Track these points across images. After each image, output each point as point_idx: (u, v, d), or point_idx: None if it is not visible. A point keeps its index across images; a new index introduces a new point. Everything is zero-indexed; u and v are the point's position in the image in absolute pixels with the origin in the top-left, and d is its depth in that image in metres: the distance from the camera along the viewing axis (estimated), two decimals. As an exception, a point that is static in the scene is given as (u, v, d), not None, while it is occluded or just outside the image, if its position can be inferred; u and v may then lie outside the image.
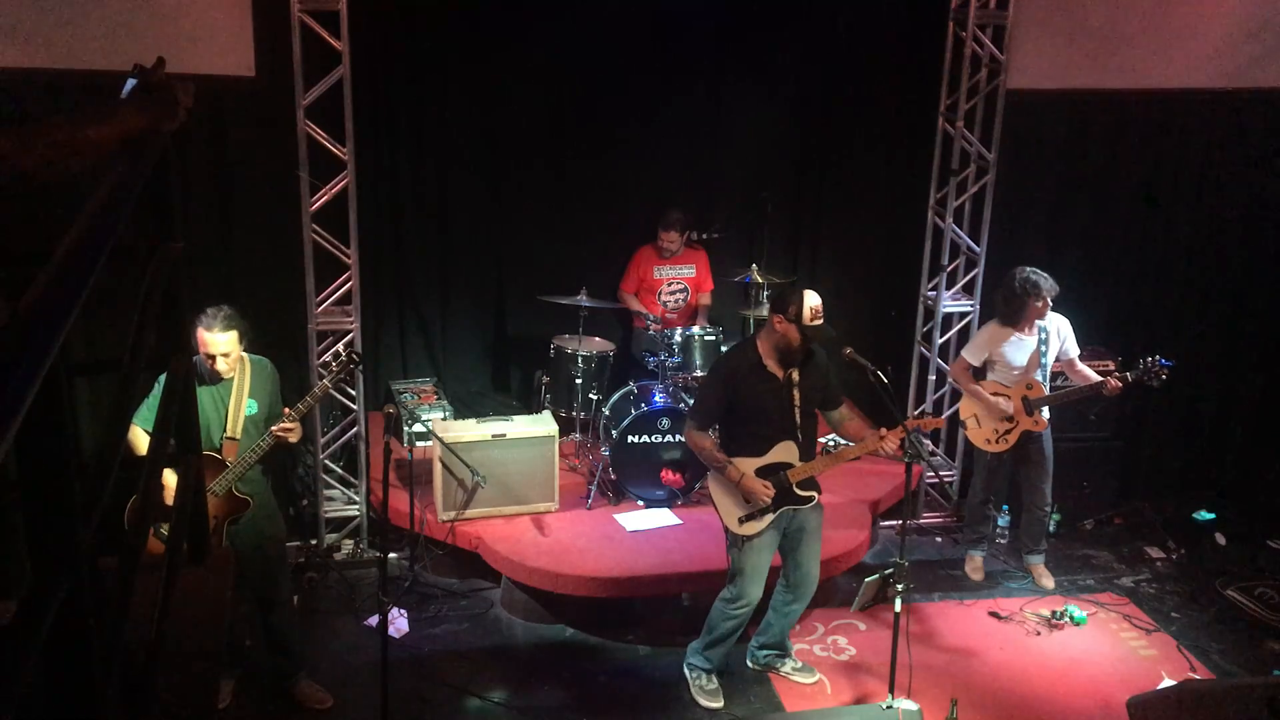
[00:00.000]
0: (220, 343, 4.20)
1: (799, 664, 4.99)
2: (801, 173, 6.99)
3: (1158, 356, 5.40)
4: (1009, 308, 5.50)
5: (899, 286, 6.79)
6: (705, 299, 6.75)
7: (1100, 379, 5.46)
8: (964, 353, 5.74)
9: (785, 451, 4.48)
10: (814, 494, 4.59)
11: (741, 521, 4.50)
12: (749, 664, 5.04)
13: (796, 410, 4.47)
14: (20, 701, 1.15)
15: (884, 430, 4.43)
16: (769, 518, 4.50)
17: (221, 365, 4.23)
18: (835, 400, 4.66)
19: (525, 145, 6.52)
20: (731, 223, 6.80)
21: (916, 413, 6.52)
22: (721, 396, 4.49)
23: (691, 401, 4.98)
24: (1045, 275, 5.41)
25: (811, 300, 4.33)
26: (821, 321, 4.36)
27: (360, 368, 4.62)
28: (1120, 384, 5.41)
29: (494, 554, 5.39)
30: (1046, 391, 5.54)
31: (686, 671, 4.89)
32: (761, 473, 4.45)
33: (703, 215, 6.71)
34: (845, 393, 7.21)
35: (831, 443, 6.27)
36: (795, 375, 4.46)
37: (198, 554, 2.55)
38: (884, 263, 7.03)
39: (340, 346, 4.64)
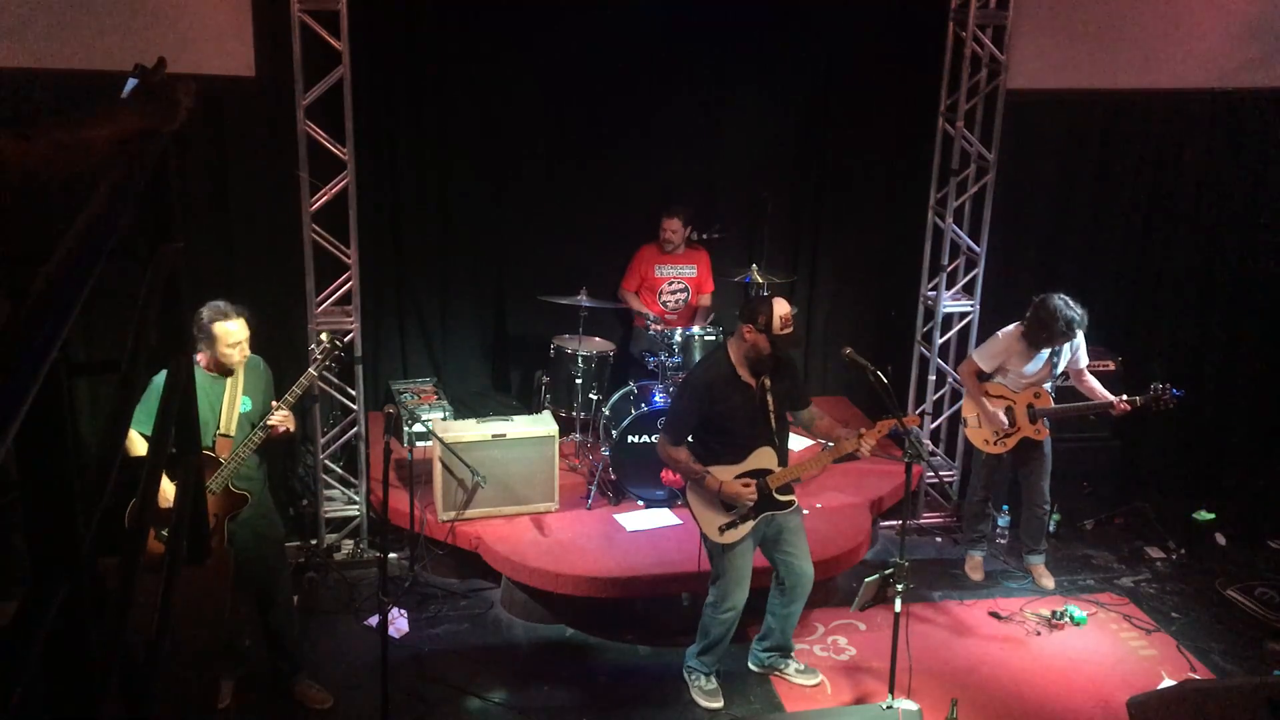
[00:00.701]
0: (238, 331, 4.24)
1: (801, 665, 4.98)
2: (801, 173, 6.99)
3: (1169, 385, 5.41)
4: (1038, 332, 5.40)
5: (899, 286, 6.79)
6: (706, 300, 6.75)
7: (1110, 399, 5.47)
8: (975, 356, 5.71)
9: (764, 458, 4.48)
10: (792, 498, 4.60)
11: (722, 531, 4.50)
12: (751, 665, 5.04)
13: (771, 416, 4.47)
14: (20, 701, 1.15)
15: (863, 430, 4.42)
16: (750, 524, 4.50)
17: (239, 354, 4.27)
18: (803, 400, 4.67)
19: (525, 145, 6.52)
20: (731, 223, 6.79)
21: (916, 413, 6.53)
22: (697, 410, 4.47)
23: (666, 415, 4.95)
24: (1078, 309, 5.34)
25: (781, 309, 4.31)
26: (791, 330, 4.35)
27: (343, 353, 4.64)
28: (1129, 407, 5.42)
29: (494, 554, 5.39)
30: (1053, 403, 5.54)
31: (686, 675, 4.89)
32: (740, 480, 4.46)
33: (703, 215, 6.71)
34: (845, 392, 7.27)
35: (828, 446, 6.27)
36: (767, 381, 4.46)
37: (198, 554, 2.55)
38: (884, 263, 7.03)
39: (323, 335, 4.67)
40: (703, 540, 4.65)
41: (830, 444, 4.61)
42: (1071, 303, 5.35)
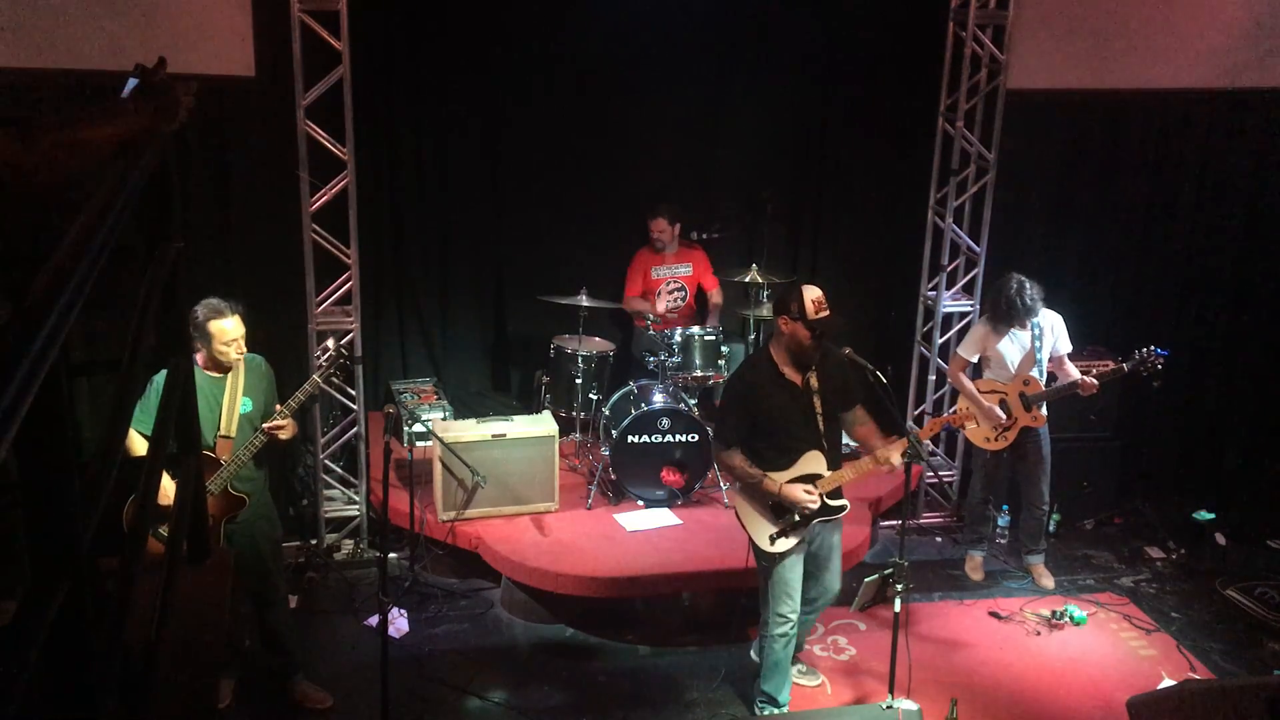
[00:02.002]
0: (234, 328, 4.23)
1: (803, 666, 4.95)
2: (801, 173, 6.98)
3: (1153, 346, 5.40)
4: (994, 308, 5.54)
5: (899, 286, 6.79)
6: (716, 297, 6.71)
7: (1094, 374, 5.49)
8: (959, 350, 5.77)
9: (813, 462, 4.33)
10: (846, 503, 4.44)
11: (773, 540, 4.33)
12: (753, 655, 4.98)
13: (819, 417, 4.32)
14: (20, 701, 1.15)
15: (893, 437, 4.32)
16: (801, 532, 4.35)
17: (235, 352, 4.25)
18: (851, 401, 4.50)
19: (525, 145, 6.51)
20: (732, 222, 6.79)
21: (916, 413, 6.53)
22: (744, 412, 4.33)
23: (714, 422, 4.85)
24: (1026, 281, 5.40)
25: (812, 294, 4.21)
26: (827, 313, 4.21)
27: (349, 362, 4.62)
28: (1100, 378, 5.42)
29: (494, 554, 5.39)
30: (1044, 387, 5.55)
31: (757, 709, 4.67)
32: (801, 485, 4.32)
33: (703, 215, 6.70)
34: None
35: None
36: (814, 381, 4.32)
37: (198, 554, 2.55)
38: (884, 263, 7.03)
39: (330, 342, 4.66)
40: (752, 552, 4.48)
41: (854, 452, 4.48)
42: (1021, 277, 5.44)
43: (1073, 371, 5.59)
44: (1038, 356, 5.54)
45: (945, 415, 5.19)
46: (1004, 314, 5.46)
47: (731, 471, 4.42)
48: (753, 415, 4.33)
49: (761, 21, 6.51)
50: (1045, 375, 5.61)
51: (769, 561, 4.40)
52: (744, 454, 4.36)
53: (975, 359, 5.69)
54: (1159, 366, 5.40)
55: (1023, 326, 5.52)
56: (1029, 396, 5.54)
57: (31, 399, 1.09)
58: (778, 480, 4.29)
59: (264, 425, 4.30)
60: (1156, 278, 6.92)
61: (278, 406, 4.38)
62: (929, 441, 6.60)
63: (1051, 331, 5.58)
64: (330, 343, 4.66)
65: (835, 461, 4.40)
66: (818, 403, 4.33)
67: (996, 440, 5.64)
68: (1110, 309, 6.88)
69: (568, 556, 5.30)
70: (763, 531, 4.37)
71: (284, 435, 4.37)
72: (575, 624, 5.37)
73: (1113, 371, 5.45)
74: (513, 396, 6.96)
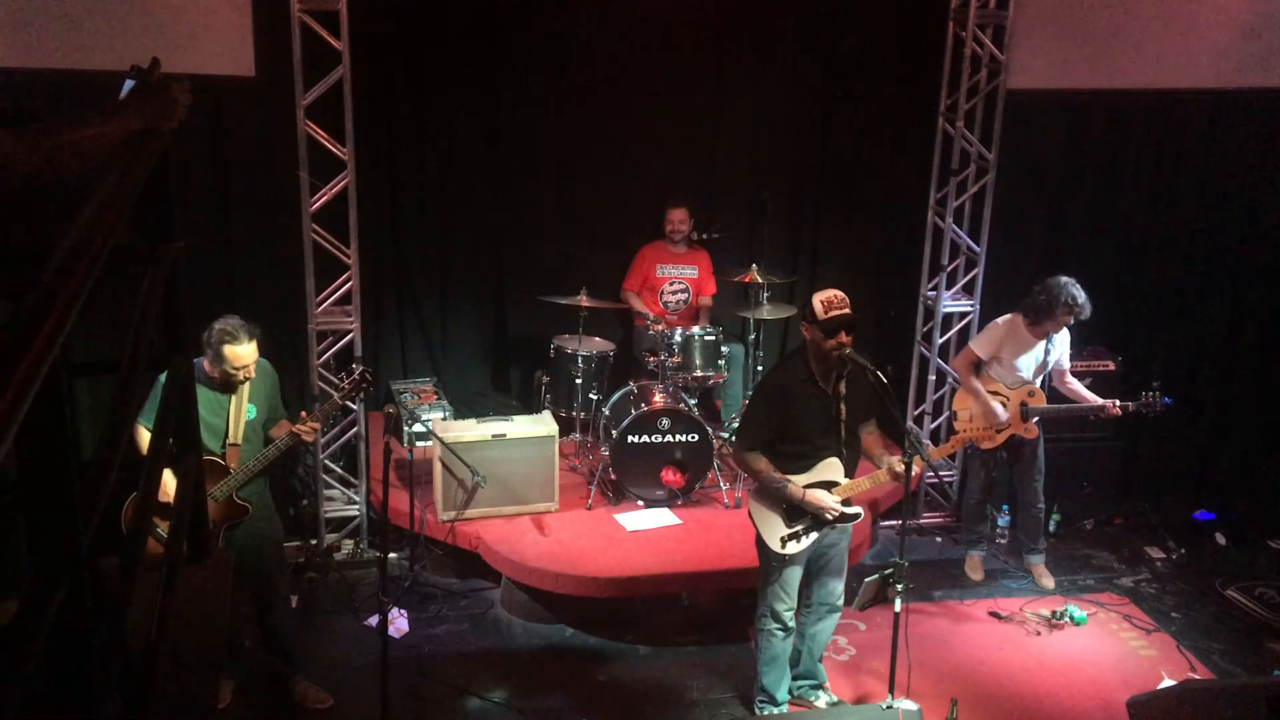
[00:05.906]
0: (247, 354, 4.21)
1: (834, 698, 4.80)
2: (801, 173, 6.98)
3: (1161, 395, 5.40)
4: (1040, 311, 5.40)
5: (899, 286, 6.79)
6: (706, 301, 6.75)
7: (1100, 402, 5.48)
8: (973, 344, 5.67)
9: (831, 469, 4.34)
10: (860, 511, 4.44)
11: (784, 542, 4.34)
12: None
13: (842, 426, 4.32)
14: (21, 701, 1.15)
15: (898, 449, 4.33)
16: (813, 536, 4.36)
17: (244, 376, 4.26)
18: (869, 416, 4.51)
19: (525, 144, 6.51)
20: (732, 223, 6.79)
21: (916, 413, 6.52)
22: (772, 415, 4.31)
23: (737, 425, 4.85)
24: (1083, 293, 5.36)
25: (821, 295, 4.22)
26: (843, 311, 4.18)
27: (369, 386, 4.66)
28: (1119, 412, 5.42)
29: (494, 554, 5.39)
30: (1045, 403, 5.54)
31: (757, 708, 4.68)
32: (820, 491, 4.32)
33: (703, 215, 6.71)
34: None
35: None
36: (843, 388, 4.31)
37: (198, 554, 2.55)
38: (884, 263, 7.02)
39: (354, 366, 4.71)
40: (758, 550, 4.48)
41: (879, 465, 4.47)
42: (1077, 285, 5.37)
43: (1079, 389, 5.59)
44: (1046, 370, 5.54)
45: (957, 437, 5.25)
46: (1054, 311, 5.34)
47: (754, 475, 4.38)
48: (780, 419, 4.31)
49: (762, 21, 6.50)
50: (1047, 387, 5.60)
51: (776, 562, 4.40)
52: (766, 456, 4.35)
53: (988, 358, 5.61)
54: (1160, 411, 5.43)
55: (1052, 330, 5.45)
56: (1030, 408, 5.52)
57: (31, 399, 1.09)
58: (799, 484, 4.29)
59: (307, 420, 4.38)
60: (1156, 278, 6.92)
61: (302, 414, 4.42)
62: (928, 441, 6.60)
63: (1060, 343, 5.56)
64: (355, 366, 4.72)
65: (852, 470, 4.40)
66: (843, 410, 4.32)
67: (984, 440, 5.60)
68: (1110, 309, 6.87)
69: (568, 556, 5.30)
70: (775, 532, 4.36)
71: (308, 437, 4.43)
72: (575, 624, 5.37)
73: (1120, 407, 5.44)
74: (513, 396, 6.96)
